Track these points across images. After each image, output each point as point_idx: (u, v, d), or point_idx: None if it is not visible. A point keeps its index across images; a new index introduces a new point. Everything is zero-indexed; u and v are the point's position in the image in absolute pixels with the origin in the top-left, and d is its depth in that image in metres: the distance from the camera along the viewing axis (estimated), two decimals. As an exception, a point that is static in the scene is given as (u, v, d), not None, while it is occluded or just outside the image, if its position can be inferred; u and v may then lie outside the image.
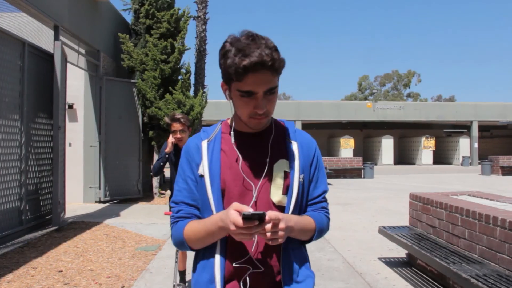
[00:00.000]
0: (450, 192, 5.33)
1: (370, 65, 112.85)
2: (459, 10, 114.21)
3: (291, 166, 1.41)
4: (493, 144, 40.16)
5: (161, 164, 4.22)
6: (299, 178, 1.40)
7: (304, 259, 1.44)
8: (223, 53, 1.30)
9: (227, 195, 1.37)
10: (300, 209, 1.43)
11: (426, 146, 33.69)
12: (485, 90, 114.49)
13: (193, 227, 1.37)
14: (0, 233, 5.94)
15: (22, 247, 5.90)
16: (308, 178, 1.46)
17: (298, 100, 45.67)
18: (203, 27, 14.60)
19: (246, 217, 1.17)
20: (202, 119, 12.34)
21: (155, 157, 11.20)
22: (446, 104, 37.15)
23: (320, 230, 1.45)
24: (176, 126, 4.06)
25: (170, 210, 1.56)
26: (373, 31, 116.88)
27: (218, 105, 28.97)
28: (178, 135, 4.06)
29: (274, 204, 1.37)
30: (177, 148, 4.18)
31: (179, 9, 11.72)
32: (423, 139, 33.75)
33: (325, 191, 1.52)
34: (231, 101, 1.40)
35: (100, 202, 10.17)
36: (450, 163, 35.15)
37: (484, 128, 37.08)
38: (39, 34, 8.18)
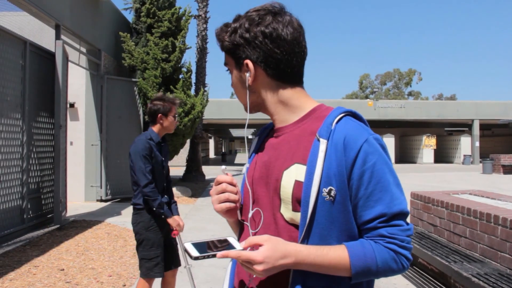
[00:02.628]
0: (451, 191, 5.34)
1: (371, 64, 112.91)
2: (460, 8, 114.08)
3: (309, 174, 1.04)
4: (494, 142, 40.15)
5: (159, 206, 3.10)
6: (322, 191, 1.03)
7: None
8: None
9: (244, 200, 1.23)
10: (325, 231, 1.05)
11: (427, 145, 33.70)
12: (486, 88, 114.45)
13: None
14: (2, 232, 5.96)
15: (24, 245, 5.92)
16: (346, 193, 1.04)
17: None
18: (204, 25, 14.62)
19: (185, 251, 0.99)
20: (203, 118, 12.35)
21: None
22: (447, 103, 37.12)
23: (365, 270, 1.01)
24: (176, 110, 3.33)
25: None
26: (374, 29, 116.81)
27: (219, 104, 28.99)
28: (176, 120, 3.34)
29: (286, 220, 1.09)
30: (160, 142, 3.31)
31: (180, 8, 11.73)
32: (424, 137, 33.75)
33: (384, 214, 1.03)
34: None
35: (101, 200, 10.19)
36: (451, 162, 35.15)
37: (486, 127, 37.06)
38: (40, 33, 8.19)
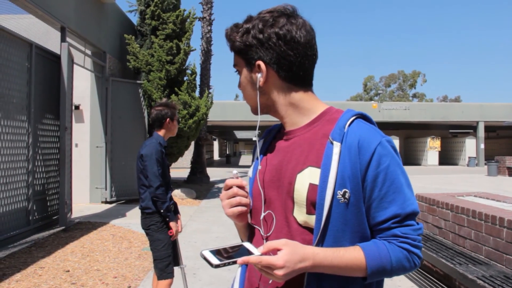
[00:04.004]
0: (456, 193, 5.32)
1: (375, 66, 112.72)
2: (464, 10, 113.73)
3: (323, 177, 1.04)
4: (499, 144, 39.96)
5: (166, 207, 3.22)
6: (337, 194, 1.03)
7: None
8: None
9: (254, 203, 1.21)
10: (339, 233, 1.05)
11: (432, 147, 33.58)
12: (491, 90, 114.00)
13: None
14: (8, 233, 5.99)
15: (29, 247, 5.95)
16: (360, 195, 1.05)
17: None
18: (209, 28, 14.65)
19: (205, 259, 0.97)
20: (208, 119, 12.37)
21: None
22: (452, 105, 36.99)
23: (380, 270, 1.03)
24: (177, 114, 3.51)
25: None
26: (378, 31, 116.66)
27: (224, 106, 29.03)
28: (178, 127, 3.52)
29: (299, 223, 1.09)
30: (165, 146, 3.49)
31: (184, 10, 11.77)
32: (428, 139, 33.63)
33: (398, 215, 1.05)
34: None
35: (106, 202, 10.22)
36: (456, 164, 35.01)
37: (490, 129, 36.90)
38: (46, 35, 8.24)
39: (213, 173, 19.95)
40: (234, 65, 1.22)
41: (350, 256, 1.01)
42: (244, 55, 1.16)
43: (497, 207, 4.10)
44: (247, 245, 1.01)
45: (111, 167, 10.29)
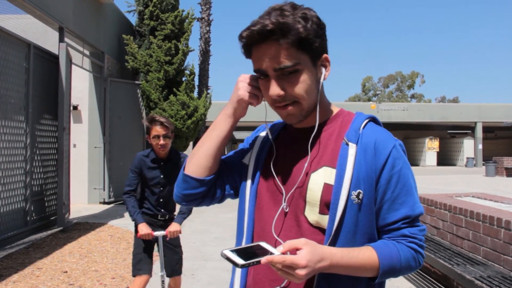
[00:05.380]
0: (454, 194, 5.33)
1: (373, 66, 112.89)
2: (463, 10, 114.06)
3: (338, 178, 1.03)
4: (497, 145, 40.02)
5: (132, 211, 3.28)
6: (351, 194, 1.02)
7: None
8: None
9: (259, 197, 1.16)
10: (351, 234, 1.04)
11: (430, 147, 33.63)
12: (489, 91, 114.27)
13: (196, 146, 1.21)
14: (6, 234, 5.98)
15: (27, 247, 5.94)
16: (373, 196, 1.05)
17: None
18: (207, 28, 14.64)
19: (228, 259, 0.95)
20: (206, 120, 12.37)
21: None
22: (450, 105, 37.06)
23: (390, 269, 1.04)
24: (158, 130, 3.19)
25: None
26: (376, 32, 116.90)
27: (222, 107, 28.90)
28: (161, 141, 3.20)
29: (309, 223, 1.07)
30: (158, 160, 3.33)
31: (183, 10, 11.76)
32: (427, 140, 33.68)
33: (408, 217, 1.07)
34: None
35: (104, 203, 10.21)
36: (454, 164, 35.06)
37: (488, 129, 36.96)
38: (44, 35, 8.23)
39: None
40: (296, 64, 1.02)
41: (364, 256, 1.01)
42: (309, 47, 1.03)
43: (495, 208, 4.11)
44: (264, 244, 0.99)
45: (109, 168, 10.28)
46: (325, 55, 1.09)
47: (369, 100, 63.60)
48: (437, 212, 4.66)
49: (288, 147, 1.16)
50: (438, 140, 34.13)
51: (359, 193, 1.03)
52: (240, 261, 0.93)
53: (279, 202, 1.11)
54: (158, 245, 3.31)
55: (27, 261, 5.26)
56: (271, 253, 0.94)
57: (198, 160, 1.17)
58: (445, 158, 36.23)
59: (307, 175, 1.08)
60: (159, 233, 3.24)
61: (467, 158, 32.13)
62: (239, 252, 0.96)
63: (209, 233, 7.12)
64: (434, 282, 4.46)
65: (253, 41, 1.02)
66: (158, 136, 3.20)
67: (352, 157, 1.04)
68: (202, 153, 1.17)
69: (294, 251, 0.94)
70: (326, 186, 1.04)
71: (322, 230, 1.05)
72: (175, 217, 3.36)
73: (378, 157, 1.05)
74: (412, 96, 67.28)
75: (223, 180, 1.22)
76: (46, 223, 7.22)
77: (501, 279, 3.20)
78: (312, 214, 1.06)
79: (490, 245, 3.63)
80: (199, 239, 6.65)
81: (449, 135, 38.75)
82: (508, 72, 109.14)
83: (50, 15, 7.07)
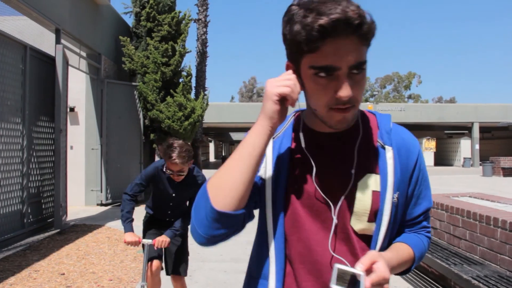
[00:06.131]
0: (451, 194, 5.34)
1: (370, 67, 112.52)
2: (459, 11, 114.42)
3: (383, 183, 1.01)
4: (494, 145, 40.12)
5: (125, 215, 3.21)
6: (393, 198, 1.01)
7: None
8: (288, 19, 0.92)
9: (292, 215, 1.03)
10: (390, 235, 1.06)
11: (427, 148, 33.69)
12: (486, 91, 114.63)
13: (219, 169, 0.99)
14: (3, 236, 5.96)
15: (24, 250, 5.92)
16: (405, 195, 1.07)
17: (299, 102, 45.60)
18: (204, 29, 14.64)
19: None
20: (203, 121, 12.37)
21: (156, 159, 11.19)
22: (447, 106, 37.14)
23: (420, 258, 1.11)
24: (174, 167, 3.03)
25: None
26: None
27: (219, 108, 29.01)
28: (176, 177, 3.08)
29: (354, 232, 1.02)
30: (170, 182, 3.22)
31: (180, 12, 11.76)
32: (424, 140, 33.74)
33: (429, 208, 1.12)
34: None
35: (101, 205, 10.18)
36: (451, 165, 35.15)
37: (485, 129, 37.05)
38: (40, 37, 8.22)
39: (209, 174, 19.76)
40: (365, 62, 0.95)
41: (404, 253, 1.06)
42: (369, 45, 0.97)
43: (491, 208, 4.12)
44: (340, 266, 0.91)
45: (107, 170, 10.26)
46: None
47: (366, 100, 63.69)
48: (434, 212, 4.67)
49: (321, 155, 1.04)
50: (435, 140, 34.21)
51: (397, 195, 1.02)
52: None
53: (323, 217, 1.02)
54: (144, 252, 3.21)
55: (24, 263, 5.24)
56: (354, 273, 0.89)
57: (232, 191, 0.94)
58: (442, 158, 36.31)
59: (353, 183, 1.01)
60: (146, 241, 3.17)
61: (464, 158, 32.21)
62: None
63: (206, 235, 7.11)
64: (432, 282, 4.47)
65: (332, 33, 0.87)
66: (172, 171, 3.06)
67: (391, 160, 1.02)
68: (236, 180, 0.95)
69: (371, 266, 0.92)
70: (374, 194, 1.01)
71: (366, 236, 1.02)
72: (171, 228, 3.28)
73: (410, 158, 1.07)
74: (409, 97, 67.44)
75: (249, 204, 1.02)
76: (43, 225, 7.20)
77: (498, 278, 3.21)
78: (359, 223, 1.01)
79: (487, 244, 3.64)
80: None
81: (446, 135, 38.84)
82: (505, 72, 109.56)
83: (46, 16, 7.05)
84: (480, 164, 26.30)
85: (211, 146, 51.30)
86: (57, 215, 7.24)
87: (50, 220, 7.43)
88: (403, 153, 1.05)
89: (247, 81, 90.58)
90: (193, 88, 12.40)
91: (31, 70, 6.89)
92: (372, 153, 1.04)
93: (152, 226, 3.45)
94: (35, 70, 7.05)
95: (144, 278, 3.17)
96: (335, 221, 1.00)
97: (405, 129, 1.11)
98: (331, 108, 0.94)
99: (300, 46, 0.90)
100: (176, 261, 3.42)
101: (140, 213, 3.56)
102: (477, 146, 31.86)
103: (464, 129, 36.11)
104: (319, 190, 1.01)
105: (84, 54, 9.54)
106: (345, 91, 0.90)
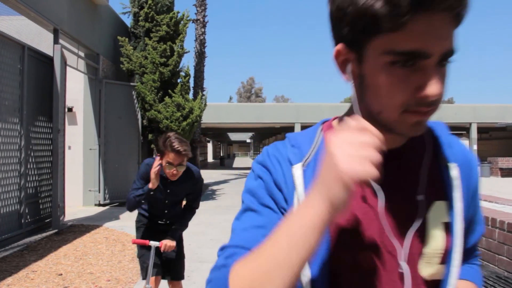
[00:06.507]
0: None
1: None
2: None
3: (451, 212, 0.77)
4: (492, 145, 40.23)
5: (141, 201, 3.03)
6: (463, 230, 0.78)
7: None
8: None
9: (336, 270, 0.75)
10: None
11: (425, 148, 33.72)
12: (484, 91, 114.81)
13: (250, 259, 0.67)
14: (0, 237, 5.95)
15: (21, 250, 5.90)
16: (466, 222, 0.82)
17: (297, 102, 45.78)
18: (202, 30, 14.63)
19: None
20: (202, 122, 12.36)
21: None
22: (445, 106, 37.20)
23: None
24: (175, 159, 2.83)
25: None
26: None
27: (218, 108, 28.98)
28: (174, 171, 2.88)
29: (423, 280, 0.77)
30: (163, 180, 3.06)
31: (178, 12, 11.75)
32: (422, 141, 33.77)
33: (482, 234, 0.90)
34: (353, 84, 0.75)
35: (99, 205, 10.17)
36: (449, 165, 35.17)
37: (483, 130, 37.16)
38: (38, 37, 8.21)
39: (207, 175, 19.92)
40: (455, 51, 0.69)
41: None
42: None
43: (489, 208, 4.12)
44: None
45: (105, 170, 10.25)
46: None
47: (364, 101, 63.75)
48: (432, 213, 4.67)
49: (386, 177, 0.71)
50: (433, 141, 34.27)
51: (463, 222, 0.79)
52: None
53: (387, 267, 0.75)
54: (150, 254, 3.12)
55: (22, 264, 5.23)
56: None
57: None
58: (440, 159, 36.34)
59: (422, 215, 0.76)
60: (154, 243, 3.07)
61: (462, 158, 32.25)
62: None
63: (205, 235, 7.11)
64: (430, 283, 4.46)
65: (426, 3, 0.61)
66: (171, 164, 2.84)
67: (458, 181, 0.78)
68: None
69: None
70: (446, 227, 0.77)
71: (434, 283, 0.77)
72: (172, 228, 3.23)
73: (473, 175, 0.84)
74: (407, 97, 67.58)
75: None
76: (41, 225, 7.19)
77: (496, 278, 3.21)
78: (429, 267, 0.76)
79: (485, 245, 3.65)
80: (194, 240, 6.64)
81: (444, 136, 38.88)
82: (503, 73, 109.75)
83: (44, 16, 7.04)
84: (478, 165, 26.33)
85: (209, 146, 51.31)
86: (55, 215, 7.23)
87: (48, 220, 7.42)
88: (465, 171, 0.81)
89: (245, 82, 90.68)
90: (191, 88, 12.38)
91: (29, 70, 6.88)
92: (435, 172, 0.80)
93: (147, 232, 3.33)
94: (33, 70, 7.04)
95: (148, 280, 3.05)
96: (406, 270, 0.74)
97: (459, 140, 0.85)
98: (407, 110, 0.68)
99: (376, 22, 0.63)
100: (175, 268, 3.35)
101: (136, 214, 3.54)
102: (475, 147, 31.91)
103: (462, 130, 36.17)
104: (387, 228, 0.75)
105: (82, 54, 9.53)
106: (434, 88, 0.65)
